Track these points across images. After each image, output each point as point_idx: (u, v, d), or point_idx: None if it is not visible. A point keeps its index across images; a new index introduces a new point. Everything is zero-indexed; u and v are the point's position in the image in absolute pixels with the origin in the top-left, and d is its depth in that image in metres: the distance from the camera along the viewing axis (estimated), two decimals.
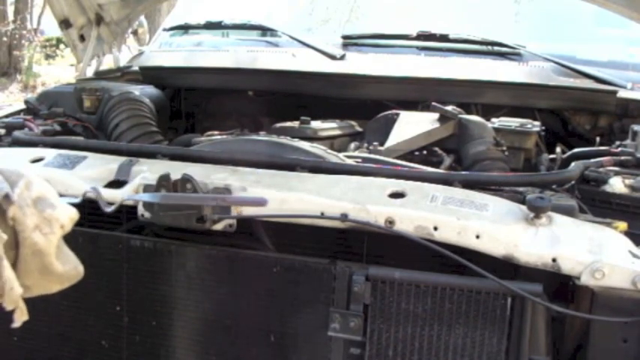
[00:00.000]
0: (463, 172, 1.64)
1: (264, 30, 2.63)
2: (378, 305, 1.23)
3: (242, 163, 1.46)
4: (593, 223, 1.26)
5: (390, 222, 1.23)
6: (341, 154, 1.64)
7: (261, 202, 0.69)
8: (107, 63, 2.64)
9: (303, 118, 2.00)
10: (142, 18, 2.90)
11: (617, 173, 1.48)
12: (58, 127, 2.02)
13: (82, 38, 2.47)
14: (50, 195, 0.65)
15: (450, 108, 1.92)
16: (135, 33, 2.92)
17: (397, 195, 1.29)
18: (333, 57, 2.30)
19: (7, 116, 2.08)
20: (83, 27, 2.45)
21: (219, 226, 1.32)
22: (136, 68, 2.56)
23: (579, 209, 1.31)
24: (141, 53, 2.78)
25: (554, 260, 1.15)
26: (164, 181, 1.31)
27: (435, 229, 1.21)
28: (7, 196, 0.62)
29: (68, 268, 0.70)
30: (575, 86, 2.08)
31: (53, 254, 0.67)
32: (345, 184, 1.35)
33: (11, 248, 0.64)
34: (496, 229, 1.19)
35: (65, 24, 2.39)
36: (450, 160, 1.85)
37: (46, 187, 0.65)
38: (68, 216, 0.66)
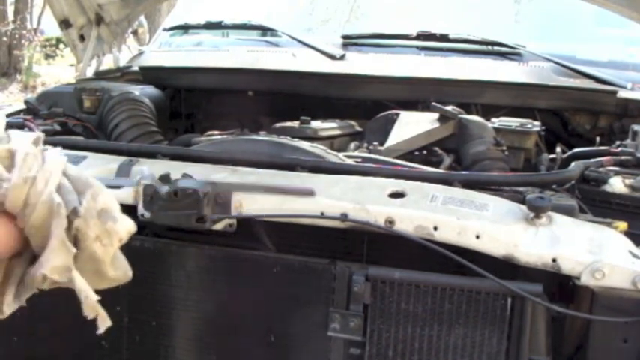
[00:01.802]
0: (463, 172, 1.64)
1: (264, 30, 2.63)
2: (378, 305, 1.23)
3: (242, 163, 1.46)
4: (593, 223, 1.26)
5: (390, 222, 1.23)
6: (341, 154, 1.64)
7: (309, 192, 0.70)
8: (107, 63, 2.64)
9: (303, 118, 2.00)
10: (142, 18, 2.90)
11: (617, 173, 1.48)
12: (58, 127, 2.02)
13: (82, 38, 2.47)
14: (114, 207, 0.68)
15: (450, 108, 1.92)
16: (135, 33, 2.92)
17: (397, 195, 1.29)
18: (333, 57, 2.30)
19: (7, 116, 2.08)
20: (83, 27, 2.45)
21: (219, 226, 1.32)
22: (136, 68, 2.56)
23: (579, 209, 1.31)
24: (141, 53, 2.78)
25: (554, 260, 1.15)
26: (164, 182, 1.31)
27: (435, 229, 1.21)
28: (75, 210, 0.64)
29: (119, 273, 0.74)
30: (575, 86, 2.08)
31: (108, 263, 0.70)
32: (345, 184, 1.35)
33: None
34: (496, 229, 1.19)
35: (65, 24, 2.39)
36: (450, 160, 1.85)
37: (110, 198, 0.68)
38: (127, 229, 0.69)
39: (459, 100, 2.07)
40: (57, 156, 0.63)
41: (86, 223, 0.64)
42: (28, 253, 0.65)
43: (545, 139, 1.99)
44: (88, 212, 0.64)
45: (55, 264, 0.65)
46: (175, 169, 1.36)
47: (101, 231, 0.66)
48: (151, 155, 1.55)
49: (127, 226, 0.69)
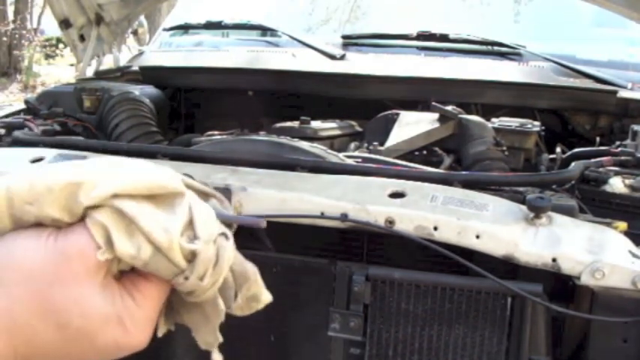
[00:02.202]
0: (463, 172, 1.64)
1: (264, 30, 2.63)
2: (378, 305, 1.23)
3: (242, 163, 1.46)
4: (593, 223, 1.26)
5: (390, 222, 1.23)
6: (341, 154, 1.64)
7: (257, 223, 0.74)
8: (107, 63, 2.65)
9: (303, 118, 2.00)
10: (142, 18, 2.91)
11: (617, 173, 1.48)
12: (58, 127, 2.02)
13: (82, 38, 2.47)
14: (261, 292, 0.73)
15: (450, 108, 1.92)
16: (135, 33, 2.93)
17: (397, 195, 1.29)
18: (333, 57, 2.30)
19: (7, 116, 2.08)
20: (83, 27, 2.45)
21: None
22: (136, 68, 2.56)
23: (579, 209, 1.31)
24: (141, 53, 2.78)
25: (554, 260, 1.15)
26: None
27: (435, 229, 1.21)
28: (229, 307, 0.70)
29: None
30: (575, 86, 2.08)
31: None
32: (345, 184, 1.35)
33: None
34: (496, 229, 1.19)
35: (65, 24, 2.39)
36: (450, 160, 1.85)
37: (261, 286, 0.73)
38: (265, 304, 0.75)
39: (459, 100, 2.07)
40: (229, 252, 0.64)
41: (235, 309, 0.70)
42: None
43: (545, 139, 1.99)
44: (238, 304, 0.70)
45: (205, 341, 0.70)
46: (175, 169, 1.36)
47: (245, 309, 0.72)
48: (151, 155, 1.55)
49: (266, 302, 0.74)
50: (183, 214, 0.60)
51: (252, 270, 0.71)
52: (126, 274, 0.60)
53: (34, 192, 0.56)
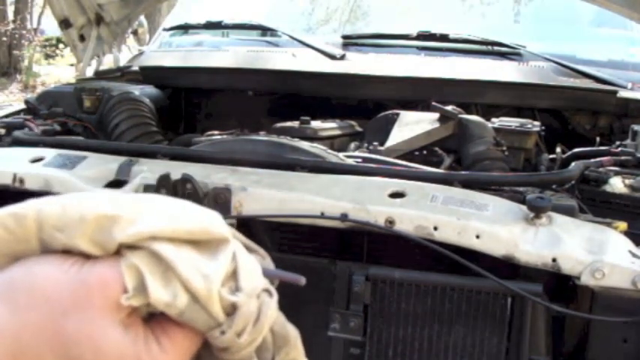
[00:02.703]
0: (463, 172, 1.64)
1: (264, 30, 2.63)
2: (378, 305, 1.23)
3: (242, 163, 1.46)
4: (593, 223, 1.26)
5: (390, 222, 1.23)
6: (341, 154, 1.64)
7: (298, 280, 0.70)
8: (107, 63, 2.65)
9: (303, 118, 2.00)
10: (142, 18, 2.91)
11: (617, 173, 1.48)
12: (58, 127, 2.02)
13: (82, 38, 2.47)
14: (301, 358, 0.69)
15: (450, 108, 1.92)
16: (135, 33, 2.93)
17: (397, 195, 1.29)
18: (333, 57, 2.30)
19: (7, 116, 2.08)
20: (83, 27, 2.45)
21: None
22: (136, 68, 2.56)
23: (579, 209, 1.31)
24: (141, 53, 2.78)
25: (554, 260, 1.15)
26: (164, 181, 1.31)
27: (435, 229, 1.21)
28: None
29: None
30: (575, 86, 2.08)
31: None
32: (345, 184, 1.35)
33: None
34: (496, 229, 1.19)
35: (65, 24, 2.39)
36: (450, 160, 1.85)
37: (301, 351, 0.68)
38: None
39: (459, 100, 2.07)
40: (272, 310, 0.59)
41: None
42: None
43: (545, 139, 1.99)
44: None
45: None
46: (175, 169, 1.36)
47: None
48: (151, 155, 1.55)
49: None
50: (226, 263, 0.55)
51: (293, 333, 0.67)
52: (156, 318, 0.56)
53: (66, 219, 0.52)
